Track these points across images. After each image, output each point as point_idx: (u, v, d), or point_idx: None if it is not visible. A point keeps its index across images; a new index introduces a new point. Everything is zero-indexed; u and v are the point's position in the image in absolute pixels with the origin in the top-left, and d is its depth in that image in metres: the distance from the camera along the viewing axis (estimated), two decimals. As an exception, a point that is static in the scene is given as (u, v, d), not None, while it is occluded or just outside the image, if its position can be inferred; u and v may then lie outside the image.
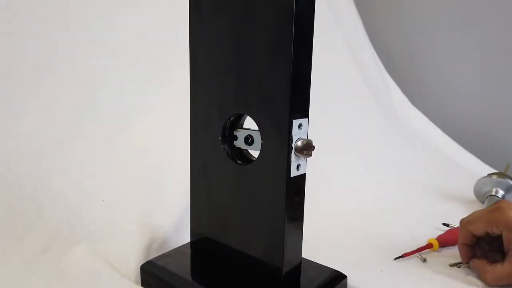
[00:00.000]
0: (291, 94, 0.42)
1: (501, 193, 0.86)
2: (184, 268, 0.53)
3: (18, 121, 0.70)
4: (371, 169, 1.01)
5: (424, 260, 0.64)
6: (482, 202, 0.88)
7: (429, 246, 0.67)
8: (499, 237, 0.53)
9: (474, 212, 0.57)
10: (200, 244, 0.55)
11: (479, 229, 0.54)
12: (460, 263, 0.62)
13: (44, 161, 0.70)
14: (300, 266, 0.50)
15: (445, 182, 1.02)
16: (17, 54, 0.73)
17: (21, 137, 0.70)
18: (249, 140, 0.48)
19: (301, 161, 0.45)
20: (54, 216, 0.64)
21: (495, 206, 0.54)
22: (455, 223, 0.72)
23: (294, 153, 0.44)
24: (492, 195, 0.86)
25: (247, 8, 0.44)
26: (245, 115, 0.48)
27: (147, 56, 0.86)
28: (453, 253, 0.66)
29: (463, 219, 0.58)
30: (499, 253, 0.55)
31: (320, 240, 0.67)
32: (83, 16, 0.80)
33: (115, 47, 0.83)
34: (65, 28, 0.78)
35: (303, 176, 0.46)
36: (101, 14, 0.83)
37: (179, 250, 0.57)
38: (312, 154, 0.45)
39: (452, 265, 0.62)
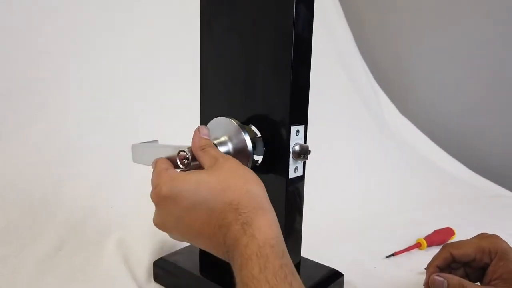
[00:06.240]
0: (291, 106, 0.46)
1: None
2: (193, 264, 0.56)
3: (27, 131, 0.73)
4: (362, 175, 1.05)
5: None
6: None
7: (417, 245, 0.71)
8: (476, 268, 0.51)
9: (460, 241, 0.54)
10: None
11: (466, 254, 0.50)
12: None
13: (53, 170, 0.72)
14: (300, 264, 0.54)
15: (432, 187, 1.06)
16: (26, 68, 0.76)
17: (31, 147, 0.72)
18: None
19: (298, 164, 0.48)
20: (65, 219, 0.67)
21: (487, 235, 0.51)
22: (442, 224, 0.77)
23: (292, 157, 0.47)
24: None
25: (253, 29, 0.48)
26: (250, 124, 0.52)
27: (153, 68, 0.89)
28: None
29: (447, 243, 0.55)
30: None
31: (318, 240, 0.70)
32: (90, 32, 0.84)
33: (121, 61, 0.86)
34: (72, 43, 0.81)
35: (301, 178, 0.50)
36: (108, 29, 0.86)
37: (188, 248, 0.61)
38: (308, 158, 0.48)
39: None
